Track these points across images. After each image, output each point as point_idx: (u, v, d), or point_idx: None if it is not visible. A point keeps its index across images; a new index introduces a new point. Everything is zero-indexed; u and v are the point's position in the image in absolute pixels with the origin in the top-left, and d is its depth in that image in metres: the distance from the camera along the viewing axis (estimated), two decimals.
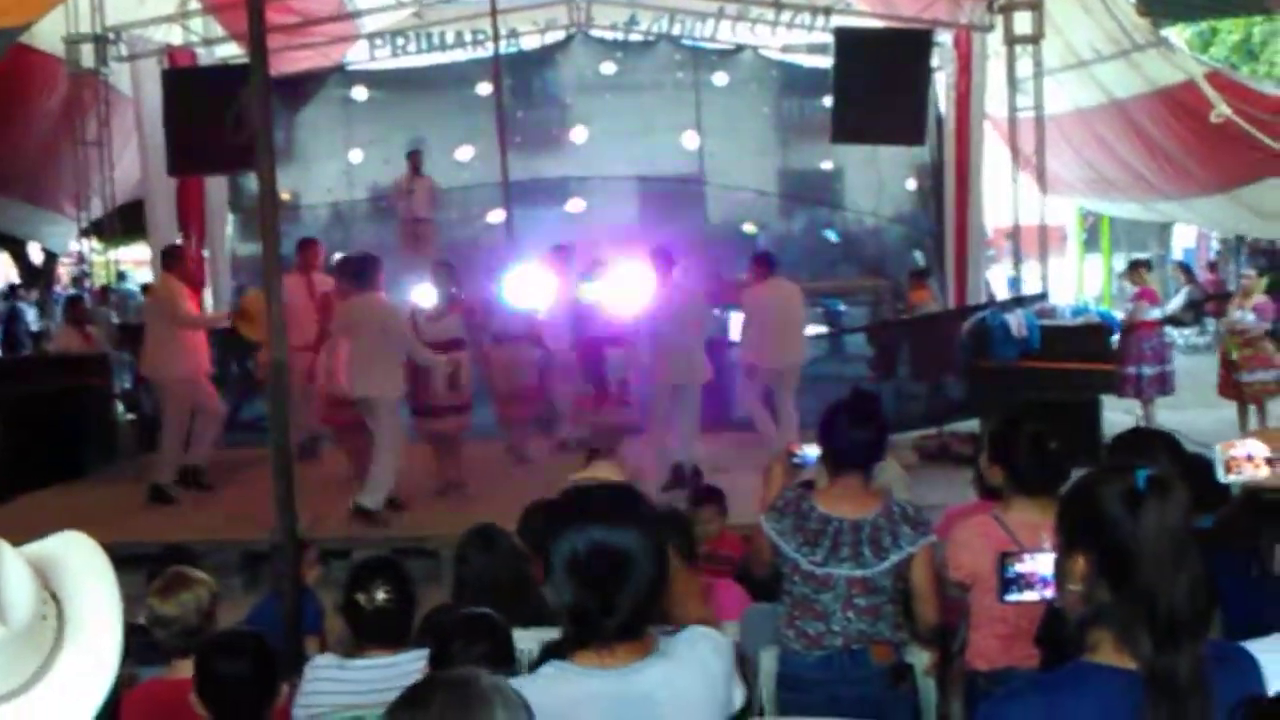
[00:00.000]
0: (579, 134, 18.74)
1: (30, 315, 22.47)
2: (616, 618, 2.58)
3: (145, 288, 21.70)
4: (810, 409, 10.97)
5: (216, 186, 16.16)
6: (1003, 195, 15.03)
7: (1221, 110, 12.79)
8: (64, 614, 2.01)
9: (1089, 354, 11.60)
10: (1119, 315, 14.73)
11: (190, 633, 4.18)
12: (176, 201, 15.19)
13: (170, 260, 11.57)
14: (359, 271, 10.03)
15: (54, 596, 2.01)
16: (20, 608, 1.91)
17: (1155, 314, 13.56)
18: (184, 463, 11.33)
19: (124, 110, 14.97)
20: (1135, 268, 14.21)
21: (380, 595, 4.19)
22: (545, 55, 18.69)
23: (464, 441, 10.87)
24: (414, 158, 16.69)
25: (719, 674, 2.75)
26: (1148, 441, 3.88)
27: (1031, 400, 9.88)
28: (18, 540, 2.04)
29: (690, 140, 18.47)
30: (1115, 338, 13.07)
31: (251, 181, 14.32)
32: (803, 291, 13.15)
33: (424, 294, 10.84)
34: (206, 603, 4.28)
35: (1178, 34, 18.53)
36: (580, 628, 2.61)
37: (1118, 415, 11.49)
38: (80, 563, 2.08)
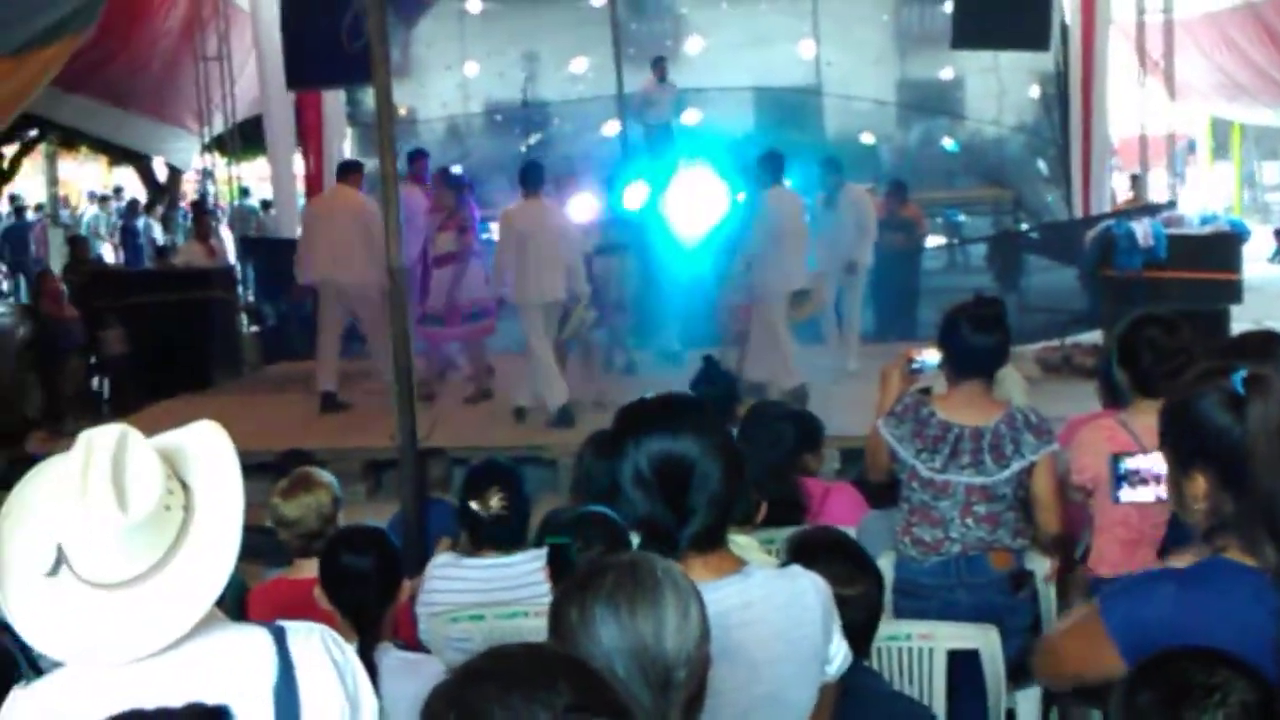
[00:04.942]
0: (694, 44, 18.58)
1: (156, 231, 22.89)
2: (692, 525, 2.52)
3: (265, 204, 22.10)
4: (929, 319, 10.82)
5: (334, 102, 16.26)
6: (1129, 102, 14.64)
7: None
8: (191, 503, 2.05)
9: (1217, 264, 11.28)
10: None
11: (312, 534, 4.25)
12: (295, 116, 15.33)
13: (347, 173, 11.71)
14: (533, 177, 10.07)
15: (184, 486, 2.06)
16: (144, 499, 1.95)
17: None
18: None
19: (243, 25, 15.11)
20: None
21: (494, 502, 4.25)
22: None
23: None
24: (660, 66, 16.29)
25: (816, 616, 2.58)
26: (1260, 342, 3.69)
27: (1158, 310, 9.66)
28: None
29: (807, 50, 18.25)
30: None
31: (368, 96, 14.36)
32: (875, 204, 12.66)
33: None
34: (329, 505, 4.34)
35: None
36: (655, 542, 2.53)
37: (1247, 326, 11.19)
38: (210, 455, 2.12)
